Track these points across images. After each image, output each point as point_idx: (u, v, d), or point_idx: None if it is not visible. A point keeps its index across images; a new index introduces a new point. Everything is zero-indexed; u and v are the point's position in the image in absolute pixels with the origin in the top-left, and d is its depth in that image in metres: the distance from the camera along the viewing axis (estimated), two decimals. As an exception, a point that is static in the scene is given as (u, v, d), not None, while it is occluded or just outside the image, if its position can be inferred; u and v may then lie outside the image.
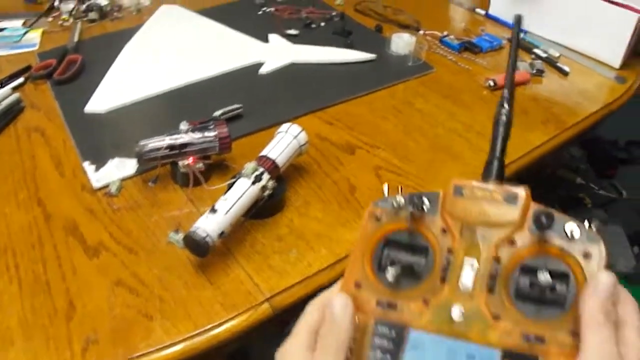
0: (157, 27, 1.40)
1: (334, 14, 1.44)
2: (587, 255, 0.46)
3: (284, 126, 0.89)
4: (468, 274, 0.49)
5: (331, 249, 0.80)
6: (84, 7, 1.46)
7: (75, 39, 1.34)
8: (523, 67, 1.25)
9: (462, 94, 1.17)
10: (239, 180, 0.80)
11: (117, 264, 0.78)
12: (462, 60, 1.29)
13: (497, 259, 0.49)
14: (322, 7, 1.48)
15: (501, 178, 0.54)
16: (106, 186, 0.90)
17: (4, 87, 1.16)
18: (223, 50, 1.29)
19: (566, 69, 1.26)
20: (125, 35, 1.34)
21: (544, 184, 2.45)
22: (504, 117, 0.55)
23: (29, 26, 1.44)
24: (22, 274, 0.77)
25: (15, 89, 1.17)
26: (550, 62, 1.28)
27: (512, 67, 0.55)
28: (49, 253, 0.80)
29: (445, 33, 1.36)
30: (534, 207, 0.49)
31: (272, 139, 0.88)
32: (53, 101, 1.14)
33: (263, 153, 0.85)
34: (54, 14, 1.48)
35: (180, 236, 0.75)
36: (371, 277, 0.53)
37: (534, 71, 1.24)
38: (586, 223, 0.47)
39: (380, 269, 0.53)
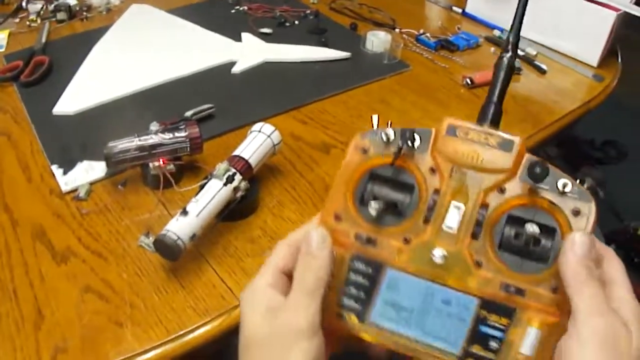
0: (128, 27, 1.37)
1: (308, 12, 1.42)
2: (576, 213, 0.45)
3: (257, 125, 0.88)
4: (453, 217, 0.49)
5: (306, 250, 0.78)
6: (52, 7, 1.43)
7: (43, 40, 1.31)
8: (499, 64, 1.25)
9: (438, 92, 1.17)
10: (210, 182, 0.78)
11: (86, 270, 0.76)
12: (439, 58, 1.28)
13: (485, 205, 0.48)
14: (296, 6, 1.46)
15: (497, 123, 0.54)
16: (75, 190, 0.88)
17: (-31, 89, 1.13)
18: (194, 49, 1.27)
19: (544, 67, 1.26)
20: (94, 36, 1.32)
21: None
22: (504, 61, 0.55)
23: (-5, 28, 1.41)
24: None
25: (-19, 91, 1.14)
26: (528, 60, 1.29)
27: (520, 18, 0.57)
28: (15, 260, 0.77)
29: (421, 31, 1.36)
30: (528, 157, 0.48)
31: (245, 139, 0.86)
32: (20, 104, 1.11)
33: (235, 153, 0.83)
34: (22, 15, 1.44)
35: (150, 240, 0.73)
36: (352, 210, 0.52)
37: (511, 69, 1.24)
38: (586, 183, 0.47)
39: (362, 202, 0.52)
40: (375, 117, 0.53)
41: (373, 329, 0.50)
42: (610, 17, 1.22)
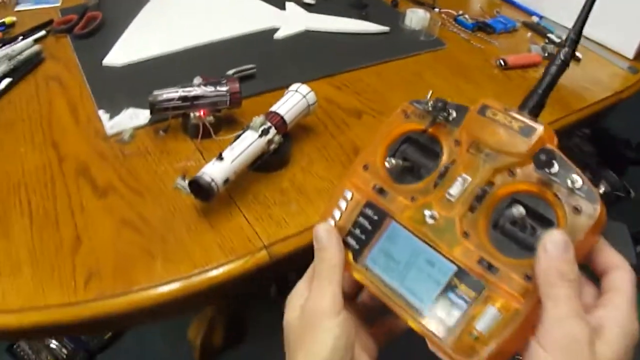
0: (178, -10, 1.42)
1: (352, -14, 1.45)
2: (577, 210, 0.45)
3: (294, 85, 0.91)
4: (457, 187, 0.51)
5: (330, 205, 0.82)
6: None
7: (98, -4, 1.37)
8: (535, 49, 1.27)
9: (472, 71, 1.19)
10: (246, 132, 0.82)
11: (124, 205, 0.80)
12: (475, 39, 1.31)
13: (490, 183, 0.50)
14: (341, -21, 1.49)
15: (536, 113, 0.55)
16: (119, 133, 0.93)
17: (26, 39, 1.19)
18: (240, 14, 1.31)
19: (579, 55, 1.27)
20: (146, -4, 1.37)
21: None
22: (561, 57, 0.55)
23: (52, -17, 1.47)
24: (34, 209, 0.80)
25: (36, 41, 1.20)
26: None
27: (587, 12, 0.57)
28: (60, 191, 0.82)
29: (460, 12, 1.38)
30: (549, 146, 0.49)
31: (282, 97, 0.90)
32: (72, 54, 1.17)
33: (272, 109, 0.87)
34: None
35: (186, 182, 0.77)
36: (379, 163, 0.58)
37: (546, 54, 1.25)
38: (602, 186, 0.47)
39: (391, 158, 0.56)
40: (430, 92, 0.58)
41: (363, 270, 0.55)
42: (649, 8, 1.20)
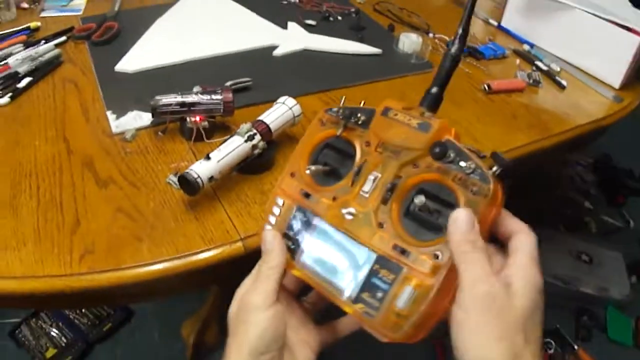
0: (189, 5, 1.52)
1: (352, 10, 1.55)
2: (473, 191, 0.52)
3: (282, 98, 1.00)
4: (369, 184, 0.57)
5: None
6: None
7: (116, 8, 1.48)
8: (521, 75, 1.34)
9: (457, 93, 1.25)
10: (233, 137, 0.91)
11: (121, 195, 0.90)
12: (464, 64, 1.37)
13: (397, 177, 0.56)
14: (342, 3, 1.59)
15: (434, 107, 0.61)
16: (123, 133, 1.03)
17: (48, 43, 1.30)
18: (244, 30, 1.41)
19: (564, 83, 1.32)
20: (160, 10, 1.48)
21: (553, 203, 2.51)
22: (452, 51, 0.62)
23: (77, -8, 1.58)
24: (41, 193, 0.89)
25: (57, 45, 1.31)
26: (550, 75, 1.36)
27: (469, 12, 0.63)
28: (66, 180, 0.92)
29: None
30: (445, 139, 0.54)
31: (270, 108, 0.99)
32: (88, 59, 1.28)
33: (259, 118, 0.96)
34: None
35: (176, 178, 0.86)
36: (302, 170, 0.63)
37: (531, 81, 1.32)
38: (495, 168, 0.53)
39: (315, 164, 0.63)
40: (342, 98, 0.65)
41: (301, 267, 0.61)
42: (635, 41, 1.26)
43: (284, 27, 1.45)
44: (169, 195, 0.90)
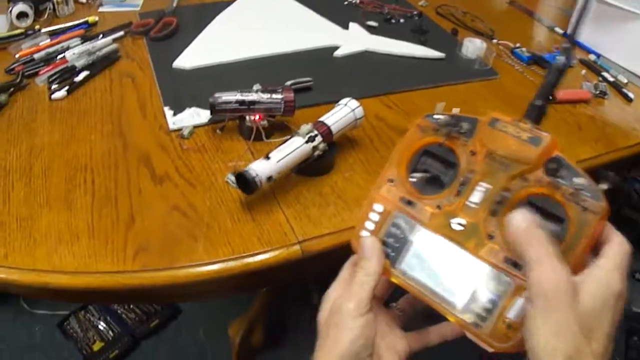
0: (249, 3, 1.51)
1: (414, 12, 1.51)
2: (584, 208, 0.51)
3: (344, 99, 0.97)
4: (478, 194, 0.57)
5: (366, 211, 0.87)
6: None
7: (174, 4, 1.47)
8: (586, 86, 1.28)
9: (520, 102, 1.14)
10: (293, 137, 0.88)
11: (177, 193, 0.88)
12: (529, 72, 1.32)
13: (506, 189, 0.55)
14: (405, 5, 1.56)
15: (538, 120, 0.59)
16: (180, 129, 1.01)
17: (105, 37, 1.29)
18: (305, 30, 1.39)
19: (631, 95, 1.26)
20: (219, 7, 1.47)
21: (608, 220, 2.44)
22: (558, 64, 0.60)
23: (136, -12, 1.58)
24: (97, 188, 0.88)
25: (115, 40, 1.31)
26: (617, 87, 1.30)
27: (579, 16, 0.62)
28: (121, 175, 0.91)
29: (517, 45, 1.40)
30: (556, 154, 0.54)
31: (332, 109, 0.96)
32: (146, 55, 1.27)
33: (321, 119, 0.93)
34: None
35: (234, 176, 0.84)
36: (403, 177, 0.63)
37: (597, 92, 1.26)
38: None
39: (412, 172, 0.63)
40: (440, 105, 0.63)
41: (400, 275, 0.60)
42: None
43: (345, 27, 1.42)
44: (225, 195, 0.88)
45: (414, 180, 0.62)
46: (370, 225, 0.63)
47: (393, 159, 0.65)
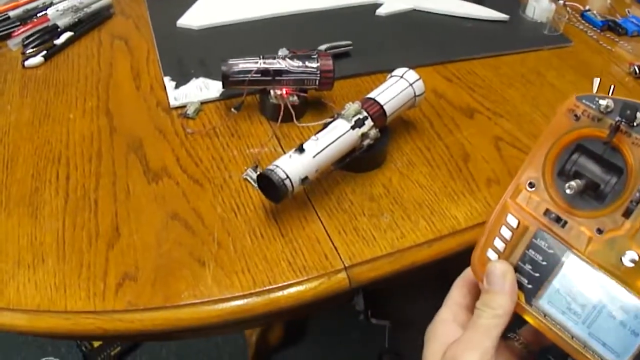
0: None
1: (470, -34, 1.31)
2: None
3: (399, 70, 0.77)
4: None
5: (432, 222, 0.68)
6: None
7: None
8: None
9: (601, 75, 1.01)
10: (336, 121, 0.68)
11: (178, 195, 0.69)
12: (604, 39, 1.14)
13: None
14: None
15: None
16: (183, 106, 0.83)
17: (98, -11, 1.09)
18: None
19: None
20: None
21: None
22: None
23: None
24: (71, 188, 0.69)
25: (108, -6, 1.10)
26: None
27: None
28: (105, 168, 0.72)
29: (587, 7, 1.23)
30: None
31: (383, 83, 0.76)
32: (145, 11, 1.08)
33: (370, 95, 0.73)
34: None
35: (256, 175, 0.66)
36: (548, 181, 0.51)
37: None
38: None
39: (561, 175, 0.51)
40: (596, 80, 0.52)
41: (537, 313, 0.49)
42: None
43: (388, -20, 1.22)
44: (243, 198, 0.69)
45: (571, 192, 0.48)
46: (499, 245, 0.52)
47: (534, 156, 0.53)
